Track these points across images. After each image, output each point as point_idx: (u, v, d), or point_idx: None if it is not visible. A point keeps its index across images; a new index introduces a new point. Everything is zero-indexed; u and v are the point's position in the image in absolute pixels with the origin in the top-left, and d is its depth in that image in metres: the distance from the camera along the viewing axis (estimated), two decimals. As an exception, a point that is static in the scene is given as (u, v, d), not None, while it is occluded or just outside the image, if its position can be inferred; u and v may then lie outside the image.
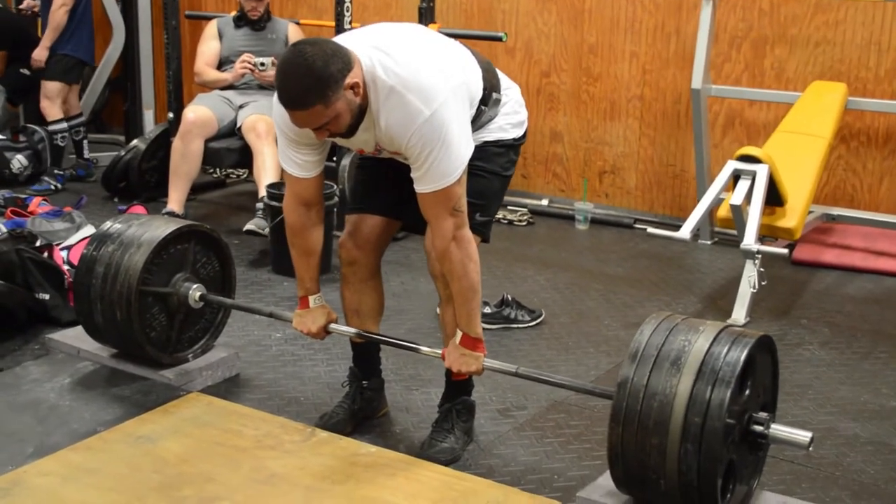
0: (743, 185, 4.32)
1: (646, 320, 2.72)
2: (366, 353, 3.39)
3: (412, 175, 2.82)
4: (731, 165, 4.33)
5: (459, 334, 2.97)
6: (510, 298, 4.33)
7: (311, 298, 3.21)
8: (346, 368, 3.49)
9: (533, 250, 5.50)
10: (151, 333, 3.53)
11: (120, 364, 3.66)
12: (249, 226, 5.11)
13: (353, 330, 3.23)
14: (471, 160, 2.84)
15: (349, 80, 2.63)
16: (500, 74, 3.11)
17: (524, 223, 5.99)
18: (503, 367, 3.03)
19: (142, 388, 3.53)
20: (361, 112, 2.74)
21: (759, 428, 2.65)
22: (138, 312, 3.44)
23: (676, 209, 6.02)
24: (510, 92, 3.13)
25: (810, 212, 5.00)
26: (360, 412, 3.35)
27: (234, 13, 5.80)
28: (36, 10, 6.83)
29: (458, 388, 3.24)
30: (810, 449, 2.68)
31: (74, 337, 3.82)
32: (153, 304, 3.52)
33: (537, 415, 3.49)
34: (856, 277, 5.11)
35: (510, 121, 3.13)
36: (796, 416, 3.50)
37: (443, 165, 2.74)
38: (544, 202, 6.27)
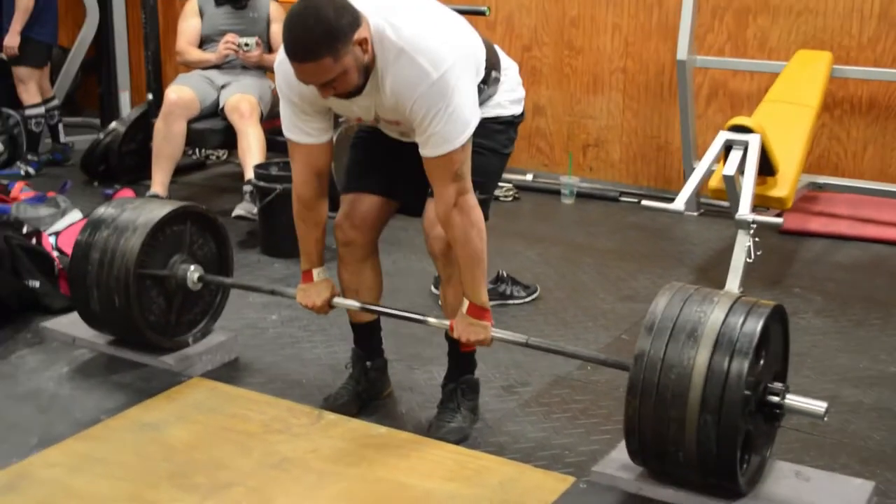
0: (735, 155, 4.31)
1: (659, 291, 2.71)
2: (368, 333, 3.36)
3: (417, 139, 2.78)
4: (724, 136, 4.32)
5: (466, 303, 2.95)
6: (505, 275, 4.32)
7: (315, 272, 3.16)
8: (345, 349, 3.48)
9: (521, 225, 5.49)
10: (150, 318, 3.49)
11: (118, 351, 3.62)
12: (238, 210, 5.07)
13: (357, 303, 3.18)
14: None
15: (358, 35, 2.59)
16: (500, 53, 3.09)
17: (510, 199, 5.97)
18: (512, 338, 3.02)
19: (142, 374, 3.49)
20: (367, 72, 2.69)
21: (775, 399, 2.66)
22: (137, 297, 3.40)
23: (662, 181, 6.03)
24: (509, 71, 3.12)
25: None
26: (365, 393, 3.33)
27: (212, -10, 5.73)
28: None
29: (461, 367, 3.22)
30: (825, 419, 2.68)
31: (69, 324, 3.77)
32: (151, 288, 3.48)
33: (542, 391, 3.49)
34: (843, 245, 5.14)
35: (509, 97, 3.11)
36: (799, 385, 3.49)
37: (447, 130, 2.70)
38: (529, 177, 6.25)
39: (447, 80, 2.66)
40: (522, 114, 3.19)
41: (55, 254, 4.21)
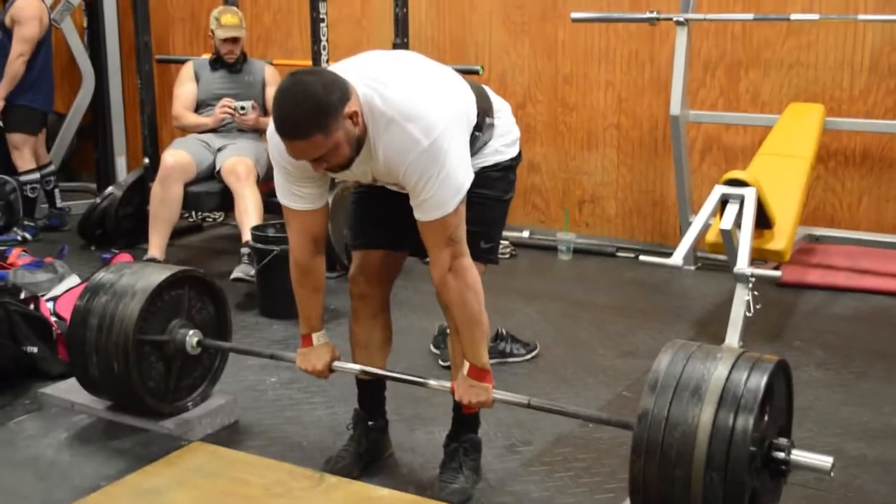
0: (731, 209, 4.32)
1: (662, 349, 2.70)
2: (372, 393, 3.34)
3: (412, 203, 2.78)
4: (720, 190, 4.33)
5: (466, 365, 2.94)
6: (504, 332, 4.31)
7: (314, 336, 3.16)
8: (345, 410, 3.47)
9: (518, 283, 5.49)
10: (150, 383, 3.47)
11: (116, 416, 3.59)
12: (237, 273, 5.07)
13: (357, 367, 3.17)
14: (471, 188, 2.78)
15: (348, 108, 2.59)
16: (491, 95, 3.07)
17: (507, 255, 5.97)
18: (514, 399, 3.00)
19: (142, 439, 3.46)
20: (359, 143, 2.69)
21: (780, 454, 2.64)
22: (136, 362, 3.38)
23: (658, 236, 6.04)
24: (502, 113, 3.09)
25: (794, 233, 5.04)
26: (367, 454, 3.30)
27: (208, 55, 5.77)
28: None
29: (464, 426, 3.20)
30: (832, 474, 2.66)
31: (67, 390, 3.75)
32: (150, 353, 3.46)
33: (544, 450, 3.46)
34: (841, 296, 5.14)
35: (504, 142, 3.09)
36: (802, 439, 3.45)
37: (440, 195, 2.70)
38: (525, 234, 6.27)
39: (439, 145, 2.66)
40: (519, 154, 3.17)
41: (53, 319, 4.20)
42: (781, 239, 4.60)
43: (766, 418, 2.59)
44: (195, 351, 3.51)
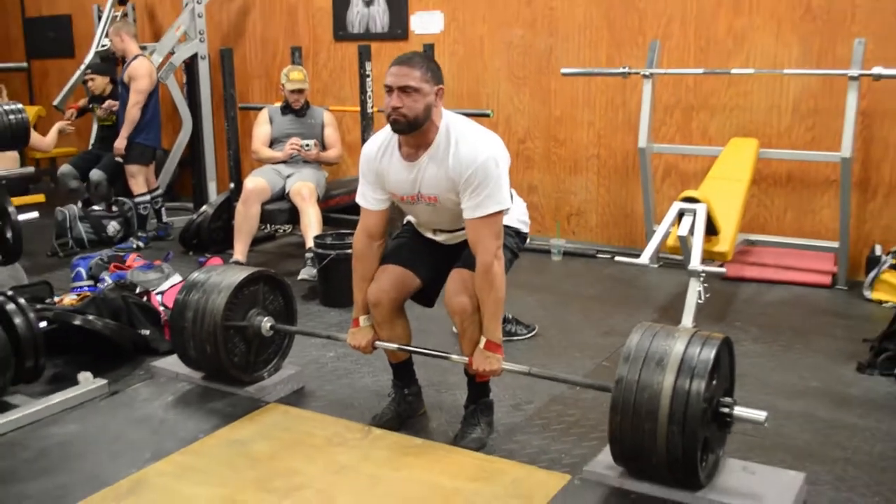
0: (687, 220, 4.29)
1: (633, 329, 2.70)
2: (403, 369, 3.35)
3: (465, 204, 2.79)
4: (677, 206, 4.30)
5: (483, 340, 2.92)
6: (510, 316, 4.31)
7: (361, 318, 3.16)
8: (387, 378, 3.47)
9: (521, 278, 5.45)
10: (235, 359, 3.49)
11: (210, 384, 3.62)
12: (302, 275, 5.09)
13: (394, 346, 3.16)
14: None
15: (440, 87, 2.77)
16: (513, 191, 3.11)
17: (511, 257, 5.96)
18: (518, 368, 3.01)
19: (230, 401, 3.49)
20: (427, 116, 2.75)
21: (726, 410, 2.64)
22: (224, 344, 3.40)
23: (629, 241, 6.01)
24: (517, 201, 3.19)
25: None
26: (405, 413, 3.32)
27: (279, 103, 5.78)
28: (115, 108, 6.79)
29: (479, 391, 3.20)
30: (766, 424, 2.66)
31: (172, 363, 3.79)
32: (234, 336, 3.48)
33: (542, 408, 3.46)
34: (772, 287, 5.12)
35: (521, 218, 3.19)
36: (742, 398, 3.39)
37: (496, 195, 2.76)
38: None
39: (497, 158, 2.78)
40: (527, 234, 3.24)
41: (161, 308, 4.23)
42: (725, 243, 4.58)
43: (714, 382, 2.59)
44: (269, 333, 3.52)
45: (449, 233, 3.10)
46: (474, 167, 2.74)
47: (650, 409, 2.50)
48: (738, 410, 2.64)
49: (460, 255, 3.02)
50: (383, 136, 2.95)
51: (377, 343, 3.17)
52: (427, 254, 3.09)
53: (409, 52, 2.82)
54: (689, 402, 2.46)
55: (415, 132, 2.79)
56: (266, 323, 3.51)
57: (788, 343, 4.18)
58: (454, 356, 3.10)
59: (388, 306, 3.11)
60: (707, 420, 2.56)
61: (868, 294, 4.87)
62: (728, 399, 2.66)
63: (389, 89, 2.76)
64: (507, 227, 3.01)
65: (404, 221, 3.28)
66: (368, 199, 3.03)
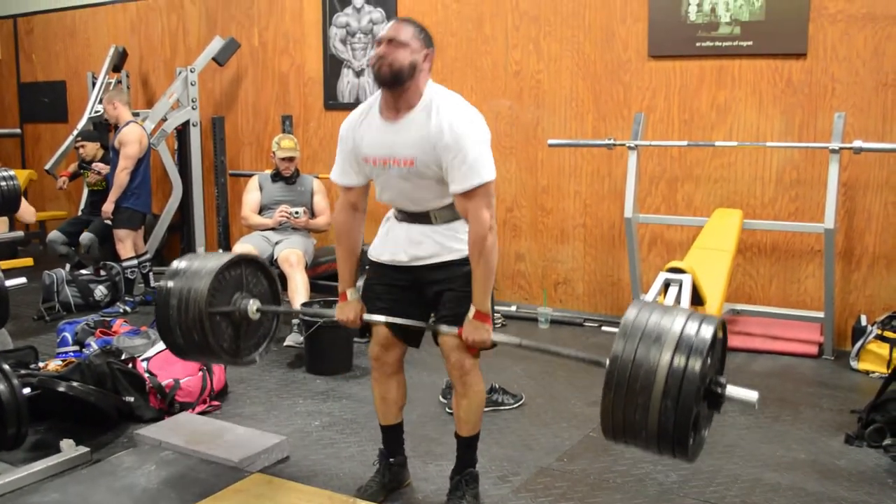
0: (673, 290, 4.32)
1: (629, 306, 2.59)
2: (392, 435, 3.30)
3: (452, 176, 2.74)
4: (663, 276, 4.34)
5: (473, 310, 2.84)
6: (497, 386, 4.27)
7: (348, 291, 3.12)
8: (373, 448, 3.42)
9: (507, 347, 5.44)
10: (224, 345, 3.27)
11: (194, 452, 3.56)
12: (288, 341, 5.05)
13: (382, 318, 3.04)
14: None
15: (429, 51, 2.82)
16: None
17: (498, 325, 5.94)
18: (509, 340, 2.89)
19: (213, 470, 3.43)
20: (411, 74, 2.77)
21: (718, 389, 2.55)
22: (211, 330, 3.21)
23: (616, 309, 6.01)
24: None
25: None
26: (390, 484, 3.26)
27: (269, 171, 5.81)
28: (104, 172, 6.81)
29: (465, 462, 3.15)
30: (757, 407, 2.54)
31: (156, 431, 3.73)
32: (221, 322, 3.29)
33: (528, 480, 3.41)
34: (758, 357, 5.11)
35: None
36: (730, 471, 3.45)
37: (481, 162, 2.73)
38: (513, 308, 6.24)
39: (479, 128, 2.78)
40: None
41: (146, 375, 4.18)
42: (711, 312, 4.59)
43: (709, 361, 2.52)
44: (255, 316, 3.33)
45: (416, 224, 2.98)
46: (455, 134, 2.71)
47: (645, 384, 2.42)
48: (730, 389, 2.54)
49: (439, 300, 2.97)
50: (367, 104, 2.97)
51: (365, 316, 3.08)
52: (401, 301, 3.03)
53: (404, 18, 2.88)
54: (686, 377, 2.36)
55: (397, 88, 2.78)
56: (252, 305, 3.32)
57: (776, 414, 4.16)
58: (443, 327, 2.93)
59: (390, 364, 3.14)
60: (700, 397, 2.48)
61: (855, 364, 4.87)
62: (721, 378, 2.57)
63: (379, 42, 2.81)
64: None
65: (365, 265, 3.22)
66: (349, 174, 2.99)
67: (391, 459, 3.28)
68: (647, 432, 2.46)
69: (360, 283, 3.18)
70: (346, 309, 3.11)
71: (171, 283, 3.30)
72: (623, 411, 2.47)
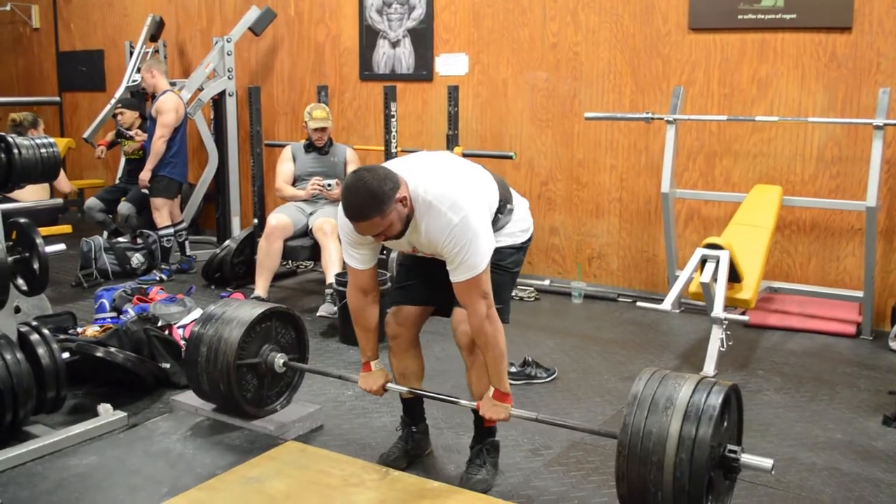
0: (709, 266, 4.29)
1: (640, 374, 2.67)
2: (412, 405, 3.36)
3: (448, 268, 2.81)
4: (700, 252, 4.30)
5: (492, 389, 2.94)
6: (530, 360, 4.28)
7: (372, 364, 3.20)
8: (404, 418, 3.45)
9: (541, 321, 5.46)
10: (247, 395, 3.50)
11: (229, 419, 3.61)
12: (321, 312, 5.08)
13: (405, 388, 3.21)
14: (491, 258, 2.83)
15: (399, 195, 2.68)
16: (512, 191, 3.13)
17: (532, 299, 5.94)
18: (525, 415, 2.99)
19: (248, 437, 3.48)
20: (408, 220, 2.77)
21: (732, 456, 2.58)
22: (236, 382, 3.42)
23: (650, 285, 5.98)
24: (520, 206, 3.15)
25: (758, 286, 4.97)
26: (412, 451, 3.31)
27: (303, 141, 5.81)
28: (140, 139, 6.87)
29: (485, 431, 3.19)
30: (773, 473, 2.60)
31: (192, 397, 3.77)
32: (247, 373, 3.49)
33: (561, 453, 3.42)
34: (795, 336, 5.05)
35: (520, 227, 3.13)
36: (765, 449, 3.42)
37: (472, 259, 2.74)
38: (546, 282, 6.23)
39: (467, 222, 2.73)
40: (530, 238, 3.19)
41: (182, 342, 4.23)
42: (748, 290, 4.54)
43: (721, 428, 2.54)
44: (281, 370, 3.53)
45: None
46: (443, 239, 2.74)
47: (655, 453, 2.46)
48: (745, 457, 2.59)
49: None
50: None
51: (389, 386, 3.20)
52: (433, 276, 3.05)
53: (351, 198, 2.67)
54: (696, 446, 2.42)
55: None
56: (279, 360, 3.53)
57: (812, 394, 4.12)
58: (463, 402, 3.10)
59: (407, 339, 3.19)
60: (713, 465, 2.51)
61: (893, 345, 4.80)
62: (735, 446, 2.61)
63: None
64: (504, 248, 3.02)
65: None
66: (355, 257, 3.03)
67: (413, 428, 3.33)
68: (662, 494, 2.47)
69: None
70: (370, 379, 3.20)
71: (203, 329, 3.49)
72: (637, 481, 2.51)
